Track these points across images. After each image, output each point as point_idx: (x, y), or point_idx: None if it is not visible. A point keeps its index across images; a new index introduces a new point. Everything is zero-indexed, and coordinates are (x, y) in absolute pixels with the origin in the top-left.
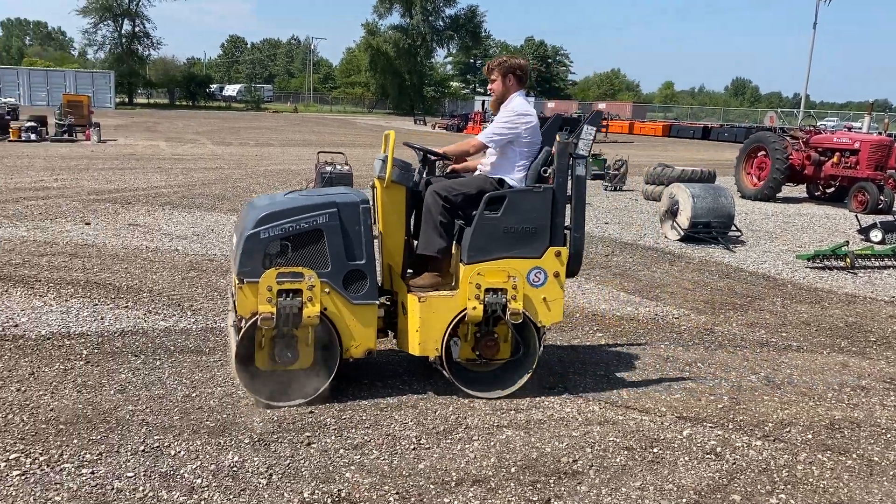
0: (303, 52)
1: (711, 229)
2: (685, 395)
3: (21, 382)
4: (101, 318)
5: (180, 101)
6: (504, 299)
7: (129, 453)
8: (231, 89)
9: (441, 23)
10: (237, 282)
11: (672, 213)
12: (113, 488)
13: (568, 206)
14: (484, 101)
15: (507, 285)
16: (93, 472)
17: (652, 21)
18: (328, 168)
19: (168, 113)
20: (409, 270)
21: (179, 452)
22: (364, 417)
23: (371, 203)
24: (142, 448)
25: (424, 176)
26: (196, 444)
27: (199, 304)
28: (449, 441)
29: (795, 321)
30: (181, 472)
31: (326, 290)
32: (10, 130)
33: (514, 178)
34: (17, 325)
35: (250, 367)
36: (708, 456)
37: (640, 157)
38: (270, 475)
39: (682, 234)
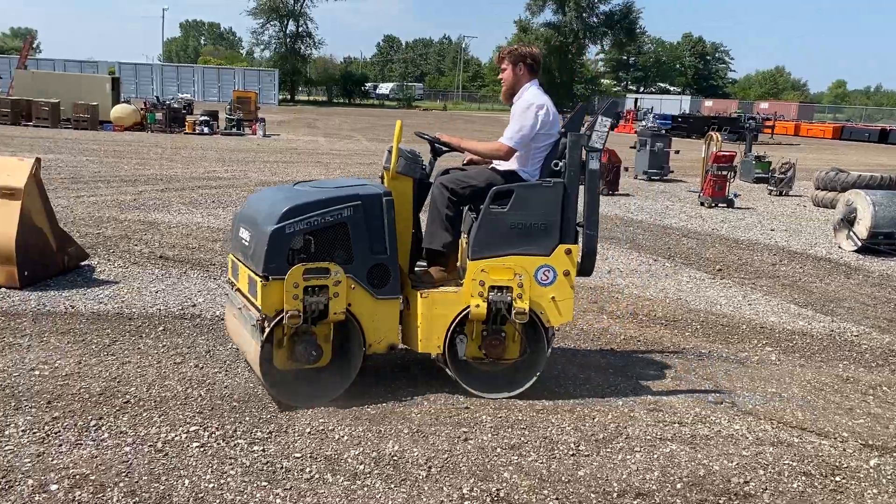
0: (454, 50)
1: (895, 241)
2: (870, 422)
3: (199, 359)
4: None
5: (337, 98)
6: (509, 298)
7: (296, 434)
8: (384, 87)
9: (595, 19)
10: (261, 280)
11: (848, 221)
12: (282, 467)
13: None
14: (637, 99)
15: (512, 283)
16: (264, 450)
17: (821, 15)
18: None
19: (326, 110)
20: (423, 264)
21: (343, 437)
22: (520, 418)
23: None
24: (308, 430)
25: (434, 167)
26: (358, 430)
27: None
28: (609, 450)
29: None
30: (345, 456)
31: (352, 285)
32: (186, 124)
33: (528, 171)
34: (194, 305)
35: (271, 367)
36: None
37: (807, 160)
38: (430, 467)
39: (860, 244)
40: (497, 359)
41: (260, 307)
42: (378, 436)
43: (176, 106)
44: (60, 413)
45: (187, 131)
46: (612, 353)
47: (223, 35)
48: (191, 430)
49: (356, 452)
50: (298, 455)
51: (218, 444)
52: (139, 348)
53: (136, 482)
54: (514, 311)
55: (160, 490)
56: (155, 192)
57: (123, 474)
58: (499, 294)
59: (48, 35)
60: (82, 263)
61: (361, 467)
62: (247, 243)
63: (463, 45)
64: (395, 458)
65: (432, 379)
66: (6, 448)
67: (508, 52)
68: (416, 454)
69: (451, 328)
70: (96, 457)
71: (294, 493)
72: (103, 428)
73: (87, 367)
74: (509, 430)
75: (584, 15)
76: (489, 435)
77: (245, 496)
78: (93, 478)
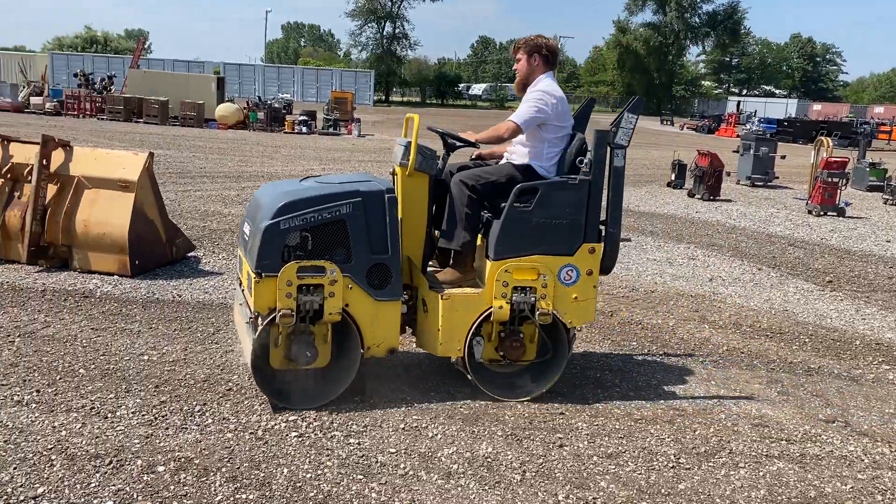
0: None
1: None
2: None
3: None
4: None
5: (430, 99)
6: (533, 298)
7: (390, 429)
8: (477, 88)
9: (697, 19)
10: (254, 276)
11: None
12: (377, 461)
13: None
14: (739, 102)
15: (536, 283)
16: (359, 444)
17: None
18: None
19: (419, 110)
20: (430, 262)
21: (436, 435)
22: (617, 427)
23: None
24: (402, 426)
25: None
26: (452, 429)
27: None
28: (711, 464)
29: None
30: (438, 454)
31: (349, 285)
32: (286, 123)
33: (544, 166)
34: None
35: (265, 366)
36: None
37: None
38: (524, 471)
39: None
40: (515, 360)
41: (252, 304)
42: (472, 436)
43: (276, 106)
44: (167, 397)
45: (287, 130)
46: (714, 363)
47: (322, 37)
48: (289, 419)
49: (450, 451)
50: (393, 450)
51: (315, 434)
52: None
53: (238, 468)
54: (537, 313)
55: (260, 477)
56: (256, 189)
57: (226, 460)
58: (522, 295)
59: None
60: (189, 255)
61: (455, 467)
62: (247, 238)
63: (558, 45)
64: (488, 459)
65: None
66: (117, 428)
67: (524, 43)
68: (510, 457)
69: (473, 330)
70: (200, 441)
71: (389, 488)
72: (207, 414)
73: (193, 353)
74: (606, 438)
75: (685, 15)
76: (585, 442)
77: (341, 488)
78: (197, 462)
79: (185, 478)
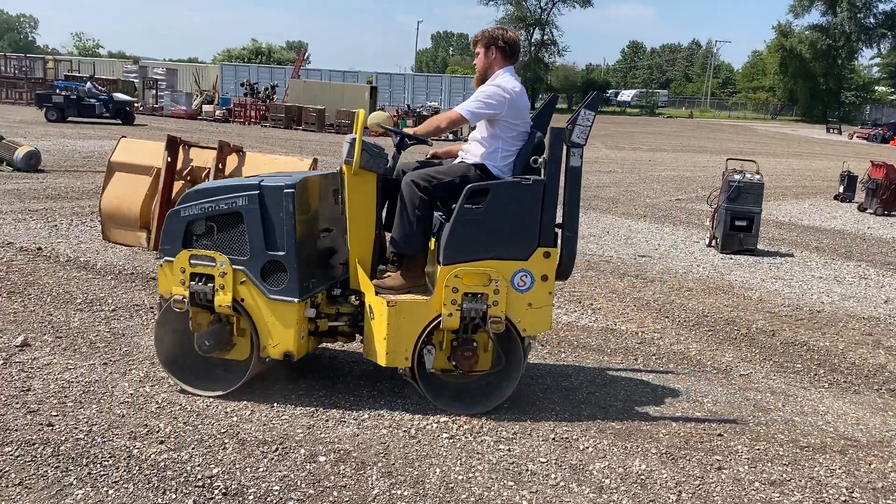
0: (703, 56)
1: None
2: None
3: None
4: None
5: (577, 105)
6: (484, 305)
7: (540, 439)
8: (626, 94)
9: (872, 20)
10: (159, 260)
11: None
12: (528, 469)
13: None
14: None
15: (488, 290)
16: (509, 450)
17: None
18: (736, 176)
19: (565, 117)
20: (382, 267)
21: (587, 448)
22: (780, 453)
23: (341, 190)
24: (552, 436)
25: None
26: (603, 443)
27: (599, 304)
28: (890, 502)
29: None
30: (590, 468)
31: (242, 279)
32: None
33: (499, 165)
34: None
35: (162, 346)
36: None
37: None
38: (680, 492)
39: None
40: (468, 371)
41: (158, 286)
42: (624, 452)
43: (425, 113)
44: (326, 391)
45: (434, 137)
46: (891, 393)
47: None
48: (440, 420)
49: (601, 465)
50: (543, 460)
51: (466, 437)
52: None
53: (393, 464)
54: (489, 320)
55: (414, 475)
56: None
57: (381, 455)
58: (473, 302)
59: (317, 47)
60: None
61: (607, 481)
62: None
63: (713, 50)
64: (642, 476)
65: (679, 401)
66: (282, 417)
67: (482, 36)
68: (664, 476)
69: (422, 339)
70: (358, 435)
71: (540, 498)
72: (363, 409)
73: (350, 351)
74: (769, 464)
75: (858, 15)
76: (745, 467)
77: (492, 493)
78: (355, 455)
79: (343, 469)
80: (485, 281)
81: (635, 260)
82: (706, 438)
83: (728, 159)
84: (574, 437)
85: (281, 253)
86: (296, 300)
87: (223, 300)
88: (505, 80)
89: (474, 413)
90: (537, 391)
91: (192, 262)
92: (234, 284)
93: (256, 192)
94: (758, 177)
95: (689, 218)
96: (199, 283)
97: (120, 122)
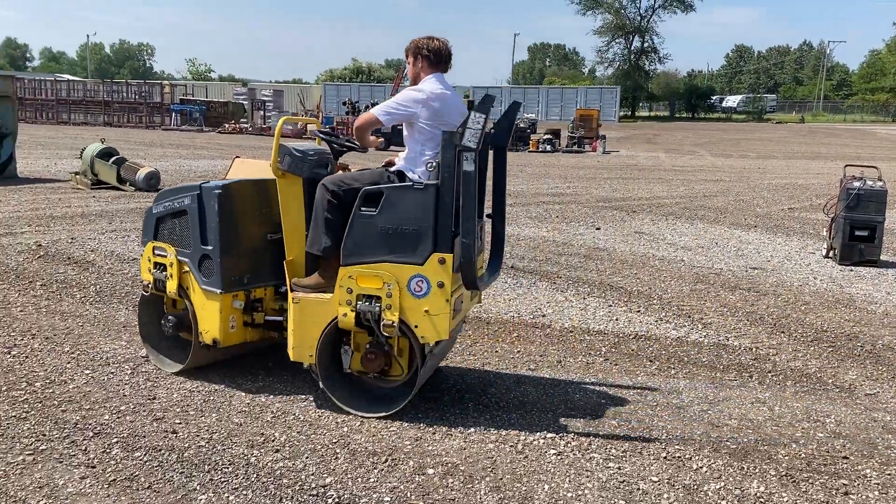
0: (814, 57)
1: None
2: None
3: (551, 368)
4: (616, 319)
5: (679, 112)
6: (378, 308)
7: (651, 457)
8: (731, 100)
9: None
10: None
11: None
12: (639, 489)
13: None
14: None
15: (381, 292)
16: (619, 469)
17: None
18: (856, 183)
19: (667, 125)
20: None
21: (701, 468)
22: None
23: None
24: (664, 455)
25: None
26: (718, 463)
27: (710, 318)
28: None
29: None
30: (704, 488)
31: (185, 269)
32: (530, 142)
33: (417, 171)
34: (544, 315)
35: (143, 324)
36: None
37: None
38: None
39: None
40: (376, 373)
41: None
42: (741, 472)
43: (521, 125)
44: (433, 404)
45: (531, 149)
46: None
47: (567, 56)
48: (547, 436)
49: (717, 486)
50: (655, 479)
51: (574, 454)
52: (496, 352)
53: (501, 479)
54: (381, 323)
55: (522, 490)
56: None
57: (489, 469)
58: (367, 303)
59: None
60: None
61: (724, 503)
62: None
63: (826, 51)
64: (761, 499)
65: (799, 420)
66: (391, 429)
67: (410, 45)
68: (785, 499)
69: (324, 337)
70: (465, 449)
71: None
72: (469, 423)
73: (455, 365)
74: None
75: None
76: (875, 492)
77: None
78: (462, 468)
79: (452, 482)
80: (378, 283)
81: (747, 272)
82: (830, 461)
83: (846, 165)
84: (687, 456)
85: (210, 247)
86: (219, 291)
87: (171, 287)
88: (426, 84)
89: (371, 416)
90: (646, 408)
91: (154, 252)
92: (180, 273)
93: (197, 192)
94: (880, 183)
95: (804, 228)
96: (158, 271)
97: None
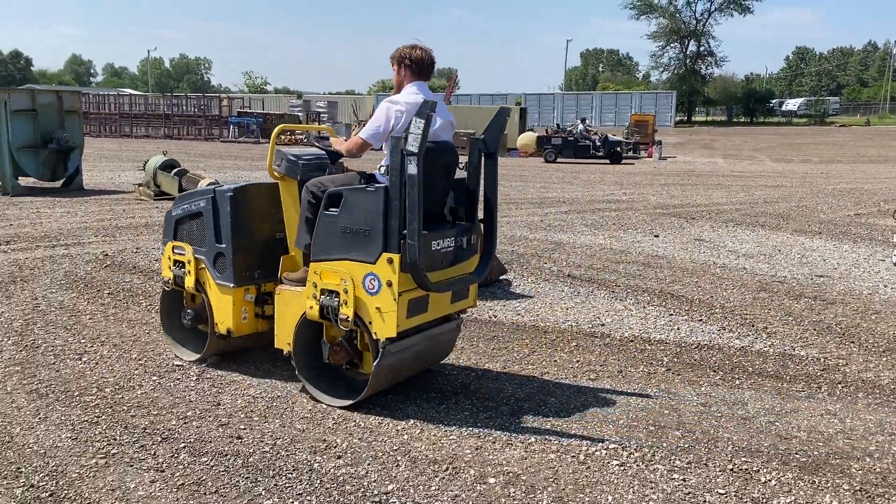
0: (880, 58)
1: None
2: None
3: (611, 378)
4: (678, 329)
5: (737, 117)
6: (336, 302)
7: (717, 469)
8: (791, 103)
9: None
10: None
11: None
12: (705, 501)
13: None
14: None
15: (339, 288)
16: (684, 480)
17: None
18: None
19: (724, 130)
20: None
21: (770, 481)
22: None
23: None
24: (730, 467)
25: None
26: (787, 476)
27: (774, 328)
28: None
29: None
30: (774, 502)
31: (201, 265)
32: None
33: (382, 176)
34: (603, 325)
35: (163, 318)
36: None
37: None
38: None
39: None
40: (342, 365)
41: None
42: (812, 486)
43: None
44: (492, 413)
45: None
46: None
47: (621, 61)
48: (610, 447)
49: (787, 500)
50: (722, 492)
51: (637, 465)
52: (555, 361)
53: (563, 489)
54: (339, 318)
55: (585, 501)
56: (559, 214)
57: (551, 479)
58: (329, 298)
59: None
60: (501, 277)
61: None
62: None
63: (893, 52)
64: None
65: (872, 433)
66: (451, 437)
67: (394, 54)
68: None
69: (298, 327)
70: (525, 458)
71: None
72: (529, 432)
73: (511, 373)
74: None
75: None
76: None
77: None
78: (524, 478)
79: (513, 492)
80: (337, 280)
81: (812, 280)
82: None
83: None
84: (754, 468)
85: (222, 245)
86: (232, 286)
87: (189, 282)
88: (404, 94)
89: (336, 405)
90: (711, 419)
91: (174, 251)
92: (197, 270)
93: (212, 195)
94: None
95: (872, 234)
96: (178, 268)
97: (609, 161)
